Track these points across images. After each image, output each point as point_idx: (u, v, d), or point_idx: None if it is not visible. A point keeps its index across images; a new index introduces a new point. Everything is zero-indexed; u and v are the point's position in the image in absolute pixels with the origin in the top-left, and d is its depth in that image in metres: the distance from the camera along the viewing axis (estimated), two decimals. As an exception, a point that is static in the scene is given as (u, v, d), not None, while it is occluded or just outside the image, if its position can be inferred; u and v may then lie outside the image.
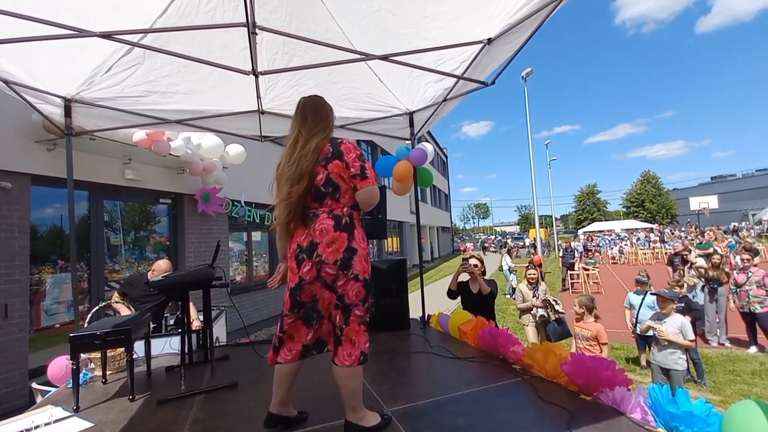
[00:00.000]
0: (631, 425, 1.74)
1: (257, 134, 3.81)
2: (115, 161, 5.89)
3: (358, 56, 2.73)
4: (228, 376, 2.77)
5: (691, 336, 3.94)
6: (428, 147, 3.99)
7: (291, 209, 1.78)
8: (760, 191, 43.52)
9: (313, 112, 1.89)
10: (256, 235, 10.15)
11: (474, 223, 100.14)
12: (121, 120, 3.43)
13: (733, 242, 15.71)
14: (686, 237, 24.41)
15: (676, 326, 3.96)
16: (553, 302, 5.03)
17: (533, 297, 5.27)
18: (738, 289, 5.92)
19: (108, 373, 2.88)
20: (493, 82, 2.78)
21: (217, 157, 6.68)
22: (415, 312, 4.13)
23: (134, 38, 2.48)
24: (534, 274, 5.36)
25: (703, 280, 6.96)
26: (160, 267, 3.60)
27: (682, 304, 5.11)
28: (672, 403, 1.62)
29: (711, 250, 10.85)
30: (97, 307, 3.19)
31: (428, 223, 27.69)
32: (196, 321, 3.54)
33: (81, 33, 2.06)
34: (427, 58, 2.81)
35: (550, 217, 32.50)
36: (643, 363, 5.55)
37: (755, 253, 8.26)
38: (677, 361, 3.86)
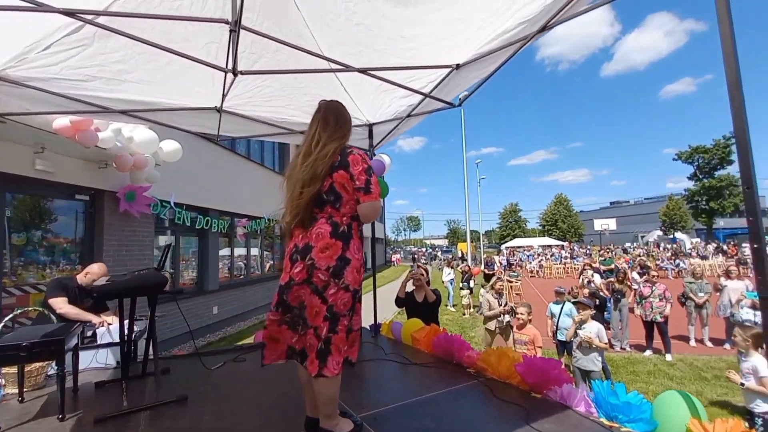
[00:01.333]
0: (578, 417, 1.97)
1: (213, 133, 3.62)
2: (24, 149, 5.15)
3: (337, 66, 2.76)
4: (173, 390, 2.56)
5: (606, 339, 4.50)
6: (386, 159, 4.11)
7: (300, 210, 1.78)
8: (647, 216, 50.88)
9: (335, 117, 1.89)
10: (185, 240, 9.46)
11: (405, 235, 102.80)
12: (53, 104, 3.04)
13: (630, 260, 18.10)
14: (590, 254, 27.63)
15: (593, 332, 4.49)
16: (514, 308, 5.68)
17: (498, 305, 5.71)
18: (643, 301, 6.86)
19: (23, 390, 2.49)
20: (460, 104, 3.00)
21: (150, 152, 6.14)
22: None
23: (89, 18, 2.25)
24: (501, 285, 5.78)
25: (608, 292, 7.95)
26: (94, 270, 3.21)
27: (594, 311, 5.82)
28: (612, 395, 1.88)
29: (613, 266, 12.44)
30: (11, 315, 2.75)
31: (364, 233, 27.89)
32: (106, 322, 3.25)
33: (40, 7, 1.83)
34: (397, 75, 2.94)
35: (478, 232, 34.71)
36: (562, 366, 6.15)
37: (647, 269, 9.67)
38: (595, 362, 4.38)
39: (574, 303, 5.39)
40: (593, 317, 5.00)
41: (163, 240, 8.73)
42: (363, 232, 1.96)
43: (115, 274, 2.84)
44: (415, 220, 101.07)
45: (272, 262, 13.82)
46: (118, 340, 3.81)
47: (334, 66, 2.78)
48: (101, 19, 2.35)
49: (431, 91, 2.98)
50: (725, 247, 26.85)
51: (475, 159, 32.63)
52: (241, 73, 2.39)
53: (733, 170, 37.14)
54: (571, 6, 1.96)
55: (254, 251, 12.65)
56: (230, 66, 2.31)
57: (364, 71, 2.75)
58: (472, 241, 31.14)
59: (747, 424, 1.76)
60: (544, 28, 2.09)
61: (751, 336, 3.45)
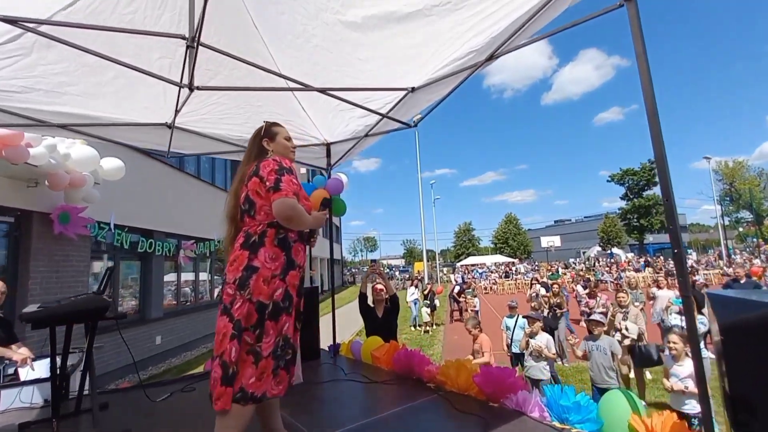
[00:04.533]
0: (532, 422, 2.05)
1: (162, 149, 3.48)
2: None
3: (294, 85, 2.79)
4: (113, 427, 2.34)
5: (554, 350, 4.74)
6: (343, 177, 4.15)
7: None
8: (588, 233, 54.69)
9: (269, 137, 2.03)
10: (126, 265, 8.82)
11: (362, 255, 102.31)
12: (-22, 116, 2.80)
13: (575, 275, 19.28)
14: (538, 270, 29.14)
15: (543, 342, 4.72)
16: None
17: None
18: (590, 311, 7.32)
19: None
20: (415, 125, 3.14)
21: (88, 170, 5.73)
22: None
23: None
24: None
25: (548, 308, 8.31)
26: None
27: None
28: (563, 397, 1.99)
29: (560, 280, 13.16)
30: None
31: (320, 254, 27.51)
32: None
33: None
34: (354, 95, 3.03)
35: (433, 251, 35.51)
36: (516, 374, 6.36)
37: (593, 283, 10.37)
38: (543, 371, 4.59)
39: (524, 317, 5.63)
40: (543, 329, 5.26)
41: (99, 266, 8.07)
42: (290, 239, 1.74)
43: (46, 301, 2.59)
44: (372, 240, 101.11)
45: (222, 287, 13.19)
46: (44, 375, 3.45)
47: (291, 84, 2.80)
48: (44, 28, 2.24)
49: (388, 112, 3.10)
50: (650, 260, 29.46)
51: (429, 180, 33.63)
52: (198, 88, 2.34)
53: (658, 191, 41.22)
54: (513, 39, 2.16)
55: (203, 275, 12.01)
56: (186, 81, 2.25)
57: (323, 91, 2.80)
58: (428, 261, 31.70)
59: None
60: (491, 57, 2.28)
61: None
